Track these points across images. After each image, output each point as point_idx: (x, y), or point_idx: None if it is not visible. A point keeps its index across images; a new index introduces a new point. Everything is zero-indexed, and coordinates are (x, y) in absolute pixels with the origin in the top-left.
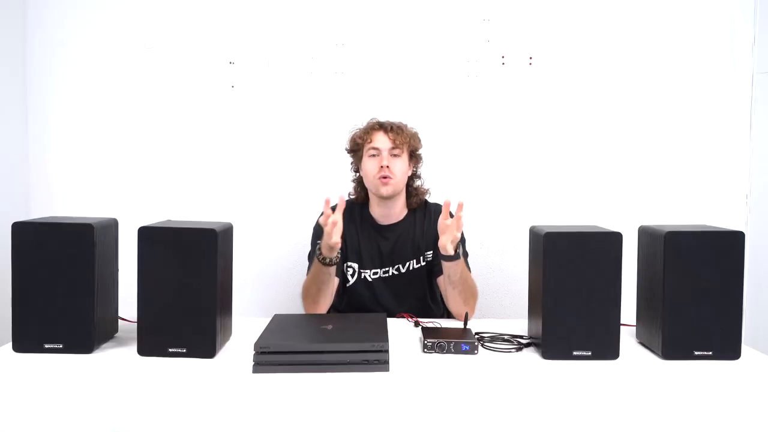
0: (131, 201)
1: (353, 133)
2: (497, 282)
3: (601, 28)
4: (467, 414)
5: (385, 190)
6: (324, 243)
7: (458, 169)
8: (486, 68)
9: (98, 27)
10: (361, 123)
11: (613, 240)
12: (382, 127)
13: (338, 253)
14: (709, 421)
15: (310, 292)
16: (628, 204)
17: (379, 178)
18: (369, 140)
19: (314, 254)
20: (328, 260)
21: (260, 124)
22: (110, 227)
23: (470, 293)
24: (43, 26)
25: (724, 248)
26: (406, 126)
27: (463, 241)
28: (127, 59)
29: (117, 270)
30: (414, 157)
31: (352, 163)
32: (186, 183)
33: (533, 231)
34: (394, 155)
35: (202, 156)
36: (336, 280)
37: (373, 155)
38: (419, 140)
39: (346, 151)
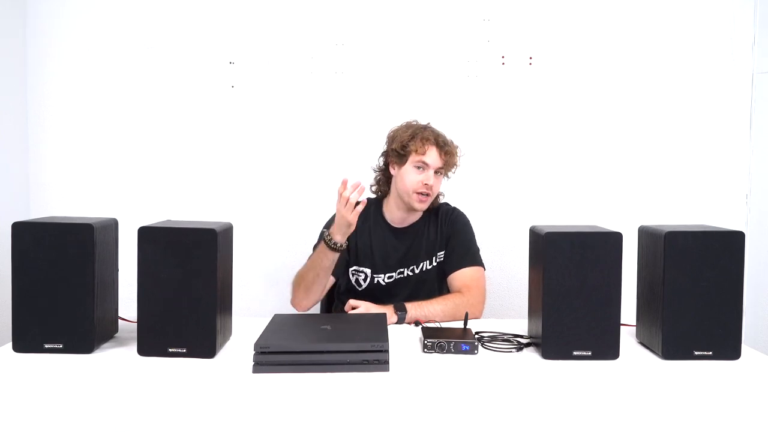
0: (131, 201)
1: (401, 132)
2: (497, 282)
3: (601, 28)
4: (467, 414)
5: (420, 206)
6: (338, 223)
7: (458, 169)
8: (486, 68)
9: (98, 27)
10: (406, 119)
11: (613, 240)
12: (437, 143)
13: (345, 243)
14: (709, 421)
15: (306, 277)
16: (628, 204)
17: (418, 193)
18: (421, 152)
19: (320, 240)
20: (338, 245)
21: (260, 124)
22: (110, 227)
23: (463, 310)
24: (43, 26)
25: (724, 248)
26: (454, 146)
27: (470, 240)
28: (127, 59)
29: (117, 270)
30: (447, 173)
31: (383, 155)
32: (186, 183)
33: (533, 231)
34: (438, 173)
35: (202, 156)
36: (331, 279)
37: (419, 167)
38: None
39: (387, 148)
